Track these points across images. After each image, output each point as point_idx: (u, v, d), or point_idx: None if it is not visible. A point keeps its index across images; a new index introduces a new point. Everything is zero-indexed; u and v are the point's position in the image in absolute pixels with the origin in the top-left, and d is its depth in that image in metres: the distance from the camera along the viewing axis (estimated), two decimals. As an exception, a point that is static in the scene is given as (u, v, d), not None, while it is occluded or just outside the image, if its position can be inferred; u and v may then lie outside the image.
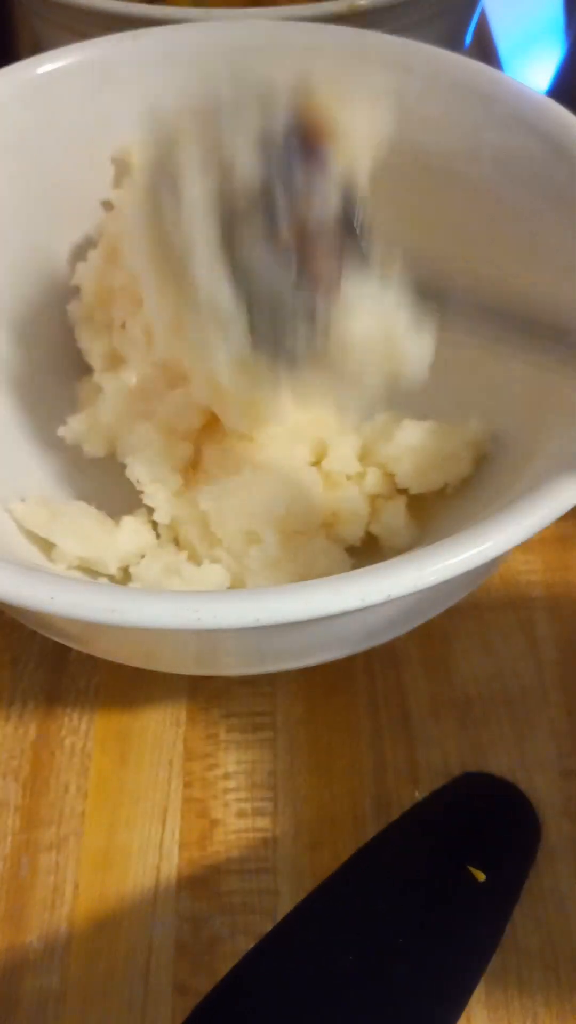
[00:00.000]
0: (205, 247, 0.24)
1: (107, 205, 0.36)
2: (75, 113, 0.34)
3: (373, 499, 0.34)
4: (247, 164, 0.24)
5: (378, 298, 0.25)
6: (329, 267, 0.25)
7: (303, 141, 0.24)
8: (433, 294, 0.25)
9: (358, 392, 0.27)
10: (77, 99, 0.34)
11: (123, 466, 0.34)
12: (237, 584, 0.32)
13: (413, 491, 0.33)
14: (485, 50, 0.61)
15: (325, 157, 0.24)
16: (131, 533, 0.33)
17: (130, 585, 0.33)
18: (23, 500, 0.33)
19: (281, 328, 0.25)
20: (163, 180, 0.24)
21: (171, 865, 0.30)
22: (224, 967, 0.28)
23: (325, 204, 0.24)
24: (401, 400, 0.36)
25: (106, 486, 0.35)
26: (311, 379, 0.26)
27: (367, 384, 0.26)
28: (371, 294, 0.25)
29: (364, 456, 0.34)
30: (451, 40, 0.46)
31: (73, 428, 0.35)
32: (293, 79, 0.25)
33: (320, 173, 0.24)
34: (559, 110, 0.31)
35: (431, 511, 0.34)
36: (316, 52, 0.34)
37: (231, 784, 0.32)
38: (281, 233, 0.24)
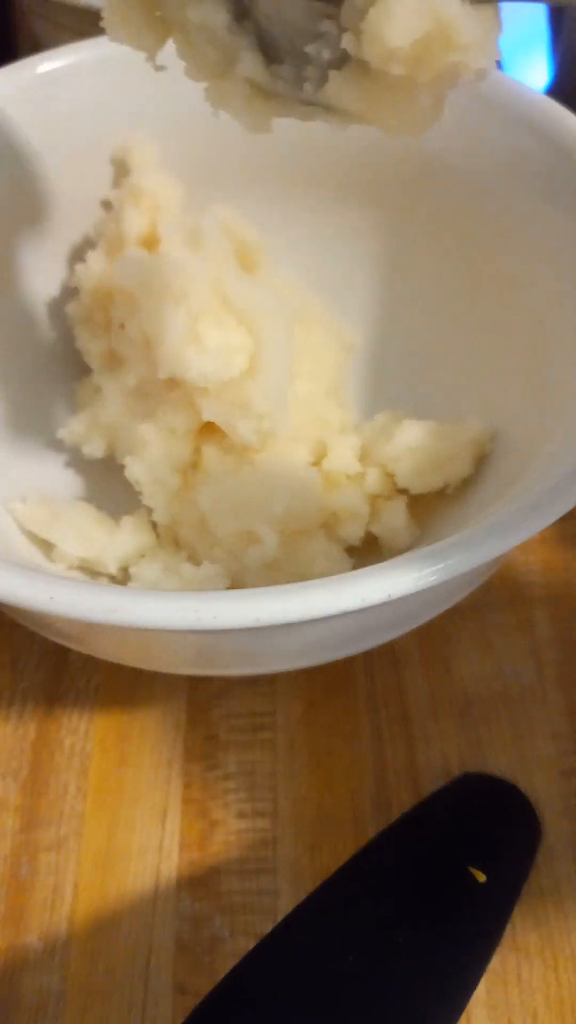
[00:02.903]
0: None
1: (106, 205, 0.36)
2: (74, 113, 0.34)
3: (373, 499, 0.34)
4: None
5: None
6: None
7: None
8: None
9: (410, 104, 0.21)
10: (76, 98, 0.34)
11: (122, 466, 0.34)
12: (236, 584, 0.32)
13: (413, 491, 0.33)
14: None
15: None
16: (131, 533, 0.33)
17: (130, 585, 0.33)
18: (23, 501, 0.33)
19: (298, 32, 0.20)
20: None
21: (171, 865, 0.30)
22: (224, 967, 0.28)
23: None
24: (400, 400, 0.37)
25: (106, 486, 0.35)
26: (348, 96, 0.21)
27: (421, 91, 0.20)
28: None
29: (364, 456, 0.34)
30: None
31: (72, 429, 0.35)
32: None
33: None
34: (560, 110, 0.31)
35: (431, 511, 0.34)
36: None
37: (231, 784, 0.32)
38: None
